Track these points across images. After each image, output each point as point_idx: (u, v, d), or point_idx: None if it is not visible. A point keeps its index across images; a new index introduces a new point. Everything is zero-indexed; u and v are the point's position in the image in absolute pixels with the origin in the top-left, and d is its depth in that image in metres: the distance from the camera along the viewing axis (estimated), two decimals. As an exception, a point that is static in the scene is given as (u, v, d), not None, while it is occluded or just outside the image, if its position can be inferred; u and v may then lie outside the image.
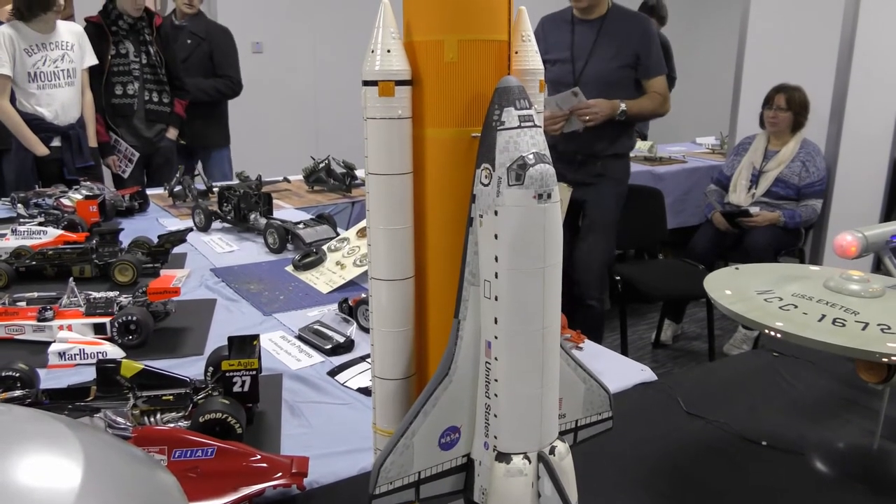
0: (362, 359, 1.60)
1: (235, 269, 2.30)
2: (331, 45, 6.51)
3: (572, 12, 3.31)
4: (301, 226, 2.52)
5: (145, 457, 0.77)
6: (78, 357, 1.56)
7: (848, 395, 1.44)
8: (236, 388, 1.27)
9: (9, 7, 3.89)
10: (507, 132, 0.73)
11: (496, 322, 0.76)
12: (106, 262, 2.15)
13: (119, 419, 1.15)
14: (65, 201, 2.87)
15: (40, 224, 2.49)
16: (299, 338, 1.73)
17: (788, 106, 4.08)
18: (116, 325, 1.65)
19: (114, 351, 1.59)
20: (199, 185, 3.47)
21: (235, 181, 3.54)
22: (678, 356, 4.23)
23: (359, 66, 0.82)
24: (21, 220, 2.63)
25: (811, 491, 1.16)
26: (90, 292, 1.79)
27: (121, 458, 0.69)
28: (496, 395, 0.78)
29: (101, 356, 1.53)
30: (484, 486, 0.82)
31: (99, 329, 1.68)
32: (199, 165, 4.60)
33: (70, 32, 3.85)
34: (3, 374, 1.31)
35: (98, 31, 3.94)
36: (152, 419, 1.21)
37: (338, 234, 2.46)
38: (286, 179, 3.92)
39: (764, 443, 1.26)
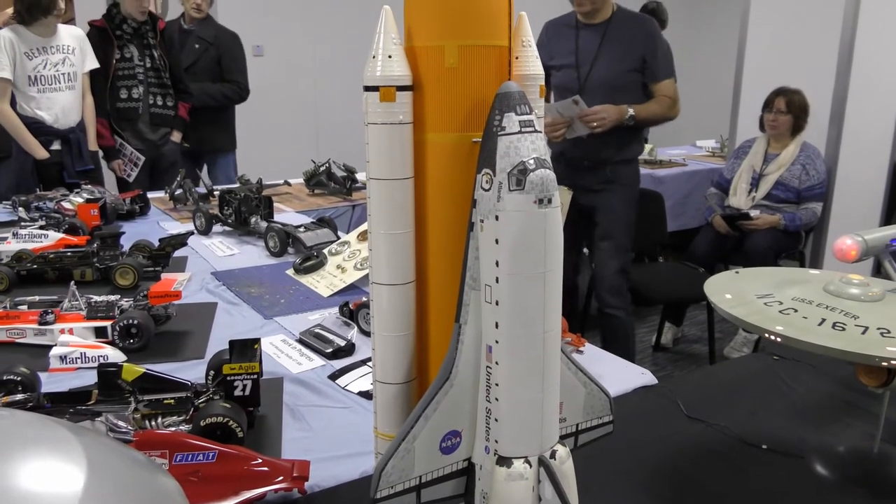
0: (363, 362, 1.60)
1: (236, 272, 2.31)
2: (331, 48, 6.52)
3: (576, 17, 3.26)
4: (302, 229, 2.52)
5: (147, 461, 0.77)
6: (79, 361, 1.56)
7: (848, 399, 1.44)
8: (237, 392, 1.27)
9: (10, 10, 3.90)
10: (507, 137, 0.73)
11: (497, 326, 0.76)
12: (107, 265, 2.16)
13: (120, 423, 1.15)
14: (66, 205, 2.87)
15: (41, 227, 2.49)
16: (300, 341, 1.73)
17: (788, 109, 4.08)
18: (117, 328, 1.65)
19: (115, 354, 1.59)
20: (200, 188, 3.47)
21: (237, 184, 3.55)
22: (678, 359, 4.23)
23: (359, 69, 0.82)
24: (22, 223, 2.63)
25: (811, 494, 1.16)
26: (91, 296, 1.80)
27: (123, 462, 0.69)
28: (497, 400, 0.79)
29: (102, 360, 1.54)
30: (485, 490, 0.83)
31: (100, 333, 1.68)
32: (205, 169, 4.61)
33: (71, 36, 3.86)
34: (5, 377, 1.32)
35: (102, 35, 3.94)
36: (153, 423, 1.21)
37: (338, 238, 2.46)
38: (287, 183, 3.92)
39: (764, 446, 1.26)
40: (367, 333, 1.72)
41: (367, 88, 0.81)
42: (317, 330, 1.74)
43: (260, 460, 1.09)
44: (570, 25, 3.28)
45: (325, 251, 2.31)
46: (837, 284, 1.16)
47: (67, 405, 1.22)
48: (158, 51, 4.04)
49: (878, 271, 1.46)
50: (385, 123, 0.81)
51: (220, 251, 2.56)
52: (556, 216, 0.74)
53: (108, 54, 3.94)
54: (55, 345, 1.59)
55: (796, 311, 1.11)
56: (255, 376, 1.28)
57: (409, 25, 0.83)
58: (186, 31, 4.50)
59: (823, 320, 1.07)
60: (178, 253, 2.34)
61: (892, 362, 0.97)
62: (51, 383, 1.46)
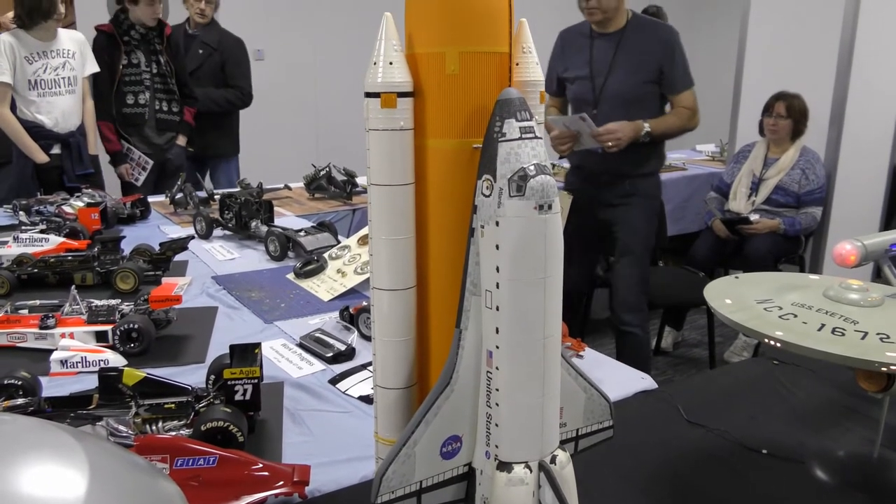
0: (363, 367, 1.60)
1: (237, 276, 2.31)
2: (332, 53, 6.53)
3: (590, 26, 3.06)
4: (302, 233, 2.52)
5: (148, 466, 0.77)
6: (80, 365, 1.56)
7: (848, 404, 1.44)
8: (238, 397, 1.27)
9: (10, 15, 3.90)
10: (508, 143, 0.74)
11: (497, 332, 0.76)
12: (108, 269, 2.16)
13: (121, 427, 1.15)
14: (66, 209, 2.87)
15: (42, 232, 2.50)
16: (300, 346, 1.73)
17: (788, 114, 4.09)
18: (118, 332, 1.66)
19: (115, 359, 1.59)
20: (201, 192, 3.48)
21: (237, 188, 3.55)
22: (679, 363, 4.23)
23: (360, 73, 0.82)
24: (23, 227, 2.64)
25: (811, 499, 1.16)
26: (92, 300, 1.80)
27: (125, 467, 0.70)
28: (497, 405, 0.79)
29: (102, 364, 1.54)
30: (485, 495, 0.83)
31: (101, 337, 1.68)
32: (208, 174, 4.61)
33: (71, 40, 3.86)
34: (6, 382, 1.32)
35: (110, 40, 3.95)
36: (154, 427, 1.21)
37: (339, 242, 2.46)
38: (287, 187, 3.93)
39: (764, 451, 1.26)
40: (367, 338, 1.72)
41: (369, 95, 0.81)
42: (317, 334, 1.75)
43: (260, 465, 1.10)
44: (585, 35, 3.11)
45: (326, 255, 2.31)
46: (837, 290, 1.16)
47: (68, 409, 1.22)
48: (165, 56, 4.06)
49: (878, 276, 1.46)
50: (386, 129, 0.81)
51: (220, 255, 2.57)
52: (557, 222, 0.74)
53: (115, 59, 3.95)
54: (56, 349, 1.59)
55: (796, 316, 1.11)
56: (256, 381, 1.29)
57: (410, 32, 0.83)
58: (191, 35, 4.51)
59: (823, 325, 1.07)
60: (178, 257, 2.34)
61: (892, 367, 0.97)
62: (51, 387, 1.46)
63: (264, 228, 2.64)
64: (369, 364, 1.57)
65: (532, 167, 0.73)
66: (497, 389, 0.78)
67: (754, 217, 4.10)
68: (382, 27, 0.82)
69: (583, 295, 3.51)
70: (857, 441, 1.32)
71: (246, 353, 1.34)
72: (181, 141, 4.22)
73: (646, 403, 1.47)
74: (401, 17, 0.84)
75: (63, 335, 1.66)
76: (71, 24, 4.89)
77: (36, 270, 2.15)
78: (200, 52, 4.45)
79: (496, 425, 0.80)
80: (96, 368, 1.46)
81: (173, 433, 1.19)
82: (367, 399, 1.44)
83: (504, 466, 0.80)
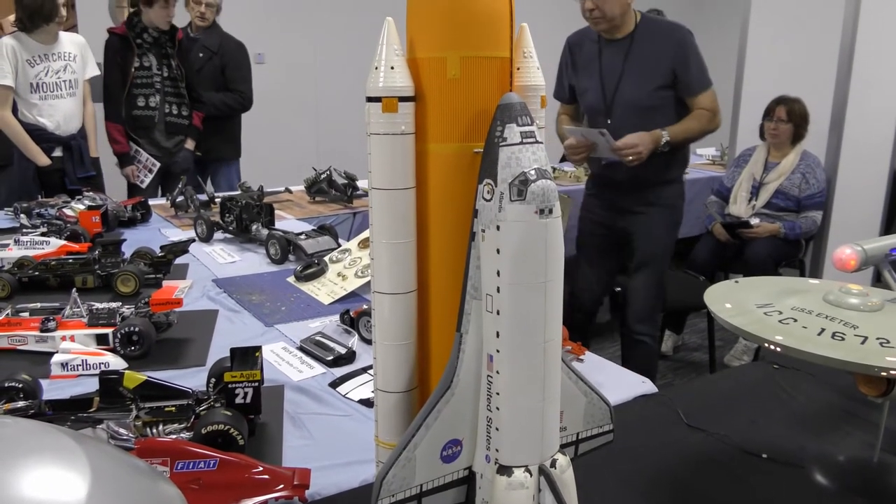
0: (364, 370, 1.60)
1: (237, 279, 2.31)
2: (332, 56, 6.54)
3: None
4: (303, 236, 2.53)
5: (149, 469, 0.78)
6: (80, 368, 1.57)
7: (848, 408, 1.44)
8: (238, 400, 1.27)
9: (11, 18, 3.91)
10: (508, 148, 0.74)
11: (498, 336, 0.76)
12: (108, 272, 2.16)
13: (122, 430, 1.15)
14: (67, 212, 2.88)
15: (43, 234, 2.50)
16: (301, 349, 1.73)
17: (789, 118, 4.09)
18: (119, 335, 1.66)
19: (116, 362, 1.59)
20: (202, 195, 3.48)
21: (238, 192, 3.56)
22: (679, 367, 4.23)
23: (360, 76, 0.83)
24: (24, 230, 2.64)
25: (811, 503, 1.16)
26: (93, 303, 1.80)
27: (125, 470, 0.70)
28: (498, 409, 0.79)
29: (103, 367, 1.54)
30: (486, 498, 0.83)
31: (101, 340, 1.68)
32: (209, 178, 4.62)
33: (72, 43, 3.87)
34: (6, 384, 1.32)
35: (124, 42, 3.96)
36: (155, 431, 1.21)
37: (339, 245, 2.46)
38: (288, 190, 3.93)
39: (764, 455, 1.26)
40: (367, 341, 1.72)
41: (370, 99, 0.82)
42: (317, 338, 1.75)
43: (261, 468, 1.10)
44: (593, 41, 2.96)
45: (326, 259, 2.32)
46: (837, 294, 1.16)
47: (69, 412, 1.22)
48: (175, 61, 4.07)
49: (878, 280, 1.46)
50: (387, 134, 0.82)
51: (221, 258, 2.57)
52: (557, 226, 0.74)
53: (127, 62, 3.97)
54: (56, 352, 1.60)
55: (796, 320, 1.11)
56: (256, 384, 1.29)
57: (412, 37, 0.84)
58: (192, 39, 4.52)
59: (823, 330, 1.07)
60: (179, 260, 2.35)
61: (892, 372, 0.97)
62: (52, 390, 1.46)
63: (265, 231, 2.65)
64: (370, 367, 1.57)
65: (533, 172, 0.73)
66: (497, 393, 0.79)
67: (755, 221, 4.10)
68: (384, 32, 0.82)
69: (598, 303, 3.39)
70: (857, 445, 1.32)
71: (246, 357, 1.34)
72: (189, 145, 4.24)
73: (646, 407, 1.47)
74: (402, 22, 0.84)
75: (64, 338, 1.67)
76: (72, 28, 4.90)
77: (37, 273, 2.16)
78: (201, 55, 4.46)
79: (496, 429, 0.80)
80: (97, 371, 1.46)
81: (174, 436, 1.19)
82: (367, 402, 1.45)
83: (504, 470, 0.80)
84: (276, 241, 2.49)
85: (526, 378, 0.77)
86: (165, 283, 2.04)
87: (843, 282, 1.21)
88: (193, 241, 2.56)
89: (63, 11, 3.74)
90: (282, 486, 1.08)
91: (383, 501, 0.80)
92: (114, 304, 1.80)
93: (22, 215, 2.93)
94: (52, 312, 1.75)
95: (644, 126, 2.80)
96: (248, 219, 2.74)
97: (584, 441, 0.94)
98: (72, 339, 1.67)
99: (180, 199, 3.32)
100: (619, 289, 3.85)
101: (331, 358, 1.65)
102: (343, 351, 1.67)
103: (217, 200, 3.24)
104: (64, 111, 3.84)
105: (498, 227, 0.74)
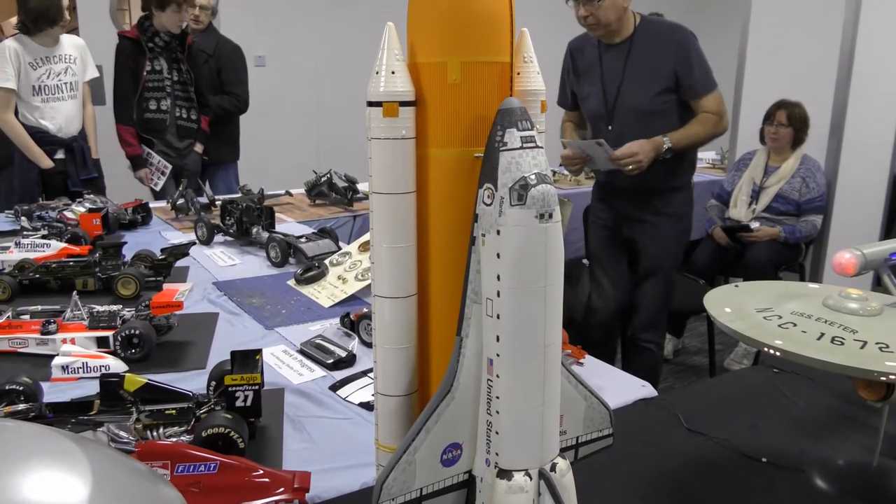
0: (364, 373, 1.60)
1: (238, 282, 2.31)
2: (333, 59, 6.55)
3: None
4: (303, 239, 2.53)
5: (150, 472, 0.78)
6: (81, 371, 1.57)
7: (848, 412, 1.44)
8: (239, 403, 1.27)
9: (13, 20, 3.92)
10: (509, 153, 0.74)
11: (498, 340, 0.77)
12: (109, 275, 2.16)
13: (122, 433, 1.16)
14: (68, 214, 2.88)
15: (44, 237, 2.50)
16: (301, 352, 1.73)
17: (789, 122, 4.10)
18: (119, 338, 1.66)
19: (117, 365, 1.59)
20: (202, 198, 3.48)
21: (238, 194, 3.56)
22: (679, 371, 4.23)
23: (361, 79, 0.83)
24: (24, 232, 2.64)
25: (811, 508, 1.16)
26: (93, 306, 1.80)
27: (127, 473, 0.70)
28: (498, 413, 0.79)
29: (104, 370, 1.54)
30: (485, 502, 0.83)
31: (102, 343, 1.69)
32: (207, 181, 4.62)
33: (73, 45, 3.88)
34: (7, 387, 1.32)
35: (136, 46, 3.98)
36: (155, 433, 1.21)
37: (340, 248, 2.47)
38: (288, 193, 3.94)
39: (764, 459, 1.27)
40: (368, 344, 1.72)
41: (371, 104, 0.82)
42: (318, 341, 1.75)
43: (261, 471, 1.10)
44: (594, 45, 2.91)
45: (327, 262, 2.32)
46: (836, 299, 1.17)
47: (69, 415, 1.22)
48: (185, 65, 4.08)
49: (878, 285, 1.46)
50: (388, 138, 0.82)
51: (221, 261, 2.57)
52: (557, 231, 0.75)
53: (139, 65, 3.99)
54: (57, 354, 1.60)
55: (795, 325, 1.11)
56: (257, 387, 1.29)
57: (412, 42, 0.84)
58: None
59: (822, 334, 1.07)
60: (179, 263, 2.35)
61: (891, 377, 0.97)
62: (52, 393, 1.46)
63: (265, 234, 2.65)
64: (370, 370, 1.58)
65: (533, 176, 0.73)
66: (497, 397, 0.79)
67: (755, 225, 4.11)
68: (385, 36, 0.82)
69: (616, 315, 3.22)
70: (857, 450, 1.32)
71: (247, 360, 1.34)
72: (198, 148, 4.25)
73: (646, 411, 1.47)
74: (403, 27, 0.85)
75: (64, 341, 1.67)
76: (73, 30, 4.90)
77: (37, 276, 2.16)
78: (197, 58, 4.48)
79: (496, 433, 0.80)
80: (97, 374, 1.46)
81: (174, 439, 1.19)
82: (367, 406, 1.45)
83: (504, 474, 0.80)
84: (277, 244, 2.49)
85: (526, 382, 0.77)
86: (166, 285, 2.04)
87: (843, 286, 1.22)
88: (194, 243, 2.56)
89: (67, 15, 3.75)
90: (282, 489, 1.08)
91: (383, 505, 0.80)
92: (114, 307, 1.80)
93: (23, 218, 2.93)
94: (52, 315, 1.75)
95: (646, 132, 2.73)
96: (248, 222, 2.74)
97: (584, 445, 0.94)
98: (72, 341, 1.67)
99: (181, 201, 3.33)
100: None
101: (331, 361, 1.65)
102: (343, 354, 1.67)
103: (217, 203, 3.24)
104: (65, 113, 3.85)
105: (498, 232, 0.74)
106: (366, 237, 2.35)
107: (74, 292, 1.83)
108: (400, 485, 0.81)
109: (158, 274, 2.22)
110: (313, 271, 2.26)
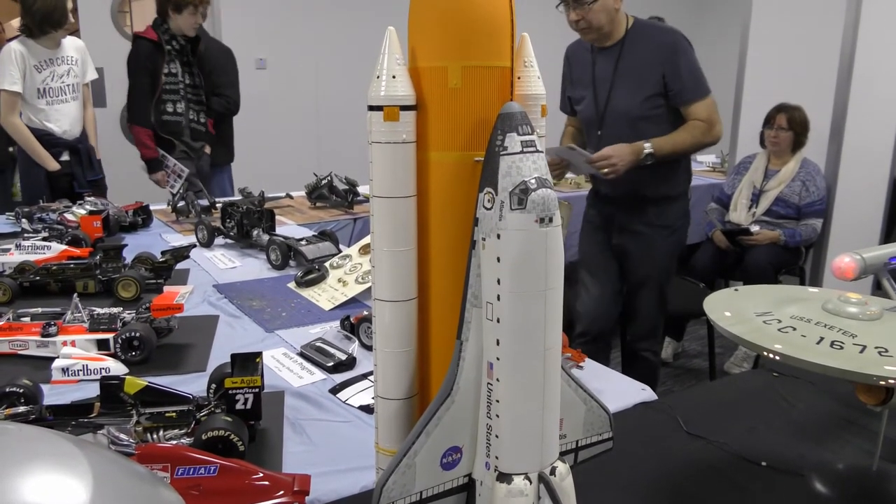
0: (364, 376, 1.60)
1: (238, 285, 2.31)
2: (334, 62, 6.55)
3: None
4: (303, 242, 2.53)
5: (150, 475, 0.78)
6: (81, 373, 1.57)
7: (847, 416, 1.45)
8: (239, 406, 1.27)
9: (15, 23, 3.92)
10: (509, 157, 0.74)
11: (498, 343, 0.77)
12: (109, 277, 2.16)
13: (122, 436, 1.16)
14: (69, 216, 2.88)
15: (44, 239, 2.50)
16: (301, 355, 1.73)
17: (789, 126, 4.10)
18: (120, 341, 1.66)
19: (117, 367, 1.59)
20: (203, 200, 3.49)
21: (237, 197, 3.56)
22: (679, 374, 4.23)
23: (362, 82, 0.83)
24: (25, 235, 2.64)
25: (810, 512, 1.16)
26: (94, 308, 1.80)
27: (127, 476, 0.70)
28: (497, 416, 0.79)
29: (104, 372, 1.54)
30: (485, 506, 0.83)
31: (102, 345, 1.69)
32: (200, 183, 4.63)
33: (73, 47, 3.88)
34: (7, 389, 1.32)
35: (155, 48, 3.97)
36: (155, 436, 1.21)
37: (340, 251, 2.47)
38: (289, 195, 3.94)
39: (763, 463, 1.27)
40: (368, 347, 1.72)
41: (372, 108, 0.82)
42: (318, 343, 1.75)
43: (261, 474, 1.10)
44: (587, 49, 2.86)
45: (327, 264, 2.32)
46: (836, 303, 1.17)
47: (69, 418, 1.22)
48: (196, 68, 4.09)
49: (878, 289, 1.47)
50: (389, 142, 0.82)
51: (221, 264, 2.57)
52: (558, 235, 0.75)
53: (158, 68, 3.97)
54: (57, 357, 1.60)
55: (795, 329, 1.11)
56: (257, 390, 1.29)
57: (413, 46, 0.84)
58: None
59: (822, 339, 1.07)
60: (180, 265, 2.35)
61: (890, 381, 0.97)
62: (53, 395, 1.47)
63: (266, 237, 2.65)
64: (370, 374, 1.58)
65: (533, 180, 0.73)
66: (497, 401, 0.79)
67: (755, 228, 4.11)
68: (386, 41, 0.83)
69: (606, 324, 3.15)
70: (857, 453, 1.32)
71: (247, 362, 1.34)
72: (207, 150, 4.27)
73: (645, 415, 1.47)
74: (404, 31, 0.85)
75: (65, 343, 1.67)
76: (74, 32, 4.91)
77: (38, 278, 2.16)
78: None
79: (496, 436, 0.80)
80: (98, 376, 1.47)
81: (174, 442, 1.19)
82: (367, 409, 1.45)
83: (504, 478, 0.80)
84: (277, 246, 2.49)
85: (526, 386, 0.78)
86: (166, 288, 2.05)
87: (843, 290, 1.22)
88: (194, 246, 2.56)
89: (72, 18, 3.76)
90: (282, 492, 1.08)
91: (383, 508, 0.81)
92: (115, 310, 1.80)
93: (23, 220, 2.93)
94: (53, 317, 1.76)
95: (636, 138, 2.66)
96: (248, 224, 2.74)
97: (584, 448, 0.94)
98: (73, 344, 1.67)
99: (181, 204, 3.33)
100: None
101: (331, 364, 1.65)
102: (343, 357, 1.67)
103: (218, 206, 3.24)
104: (69, 115, 3.85)
105: (498, 236, 0.74)
106: (366, 240, 2.35)
107: (75, 294, 1.83)
108: (400, 488, 0.81)
109: (159, 276, 2.22)
110: (314, 274, 2.26)
